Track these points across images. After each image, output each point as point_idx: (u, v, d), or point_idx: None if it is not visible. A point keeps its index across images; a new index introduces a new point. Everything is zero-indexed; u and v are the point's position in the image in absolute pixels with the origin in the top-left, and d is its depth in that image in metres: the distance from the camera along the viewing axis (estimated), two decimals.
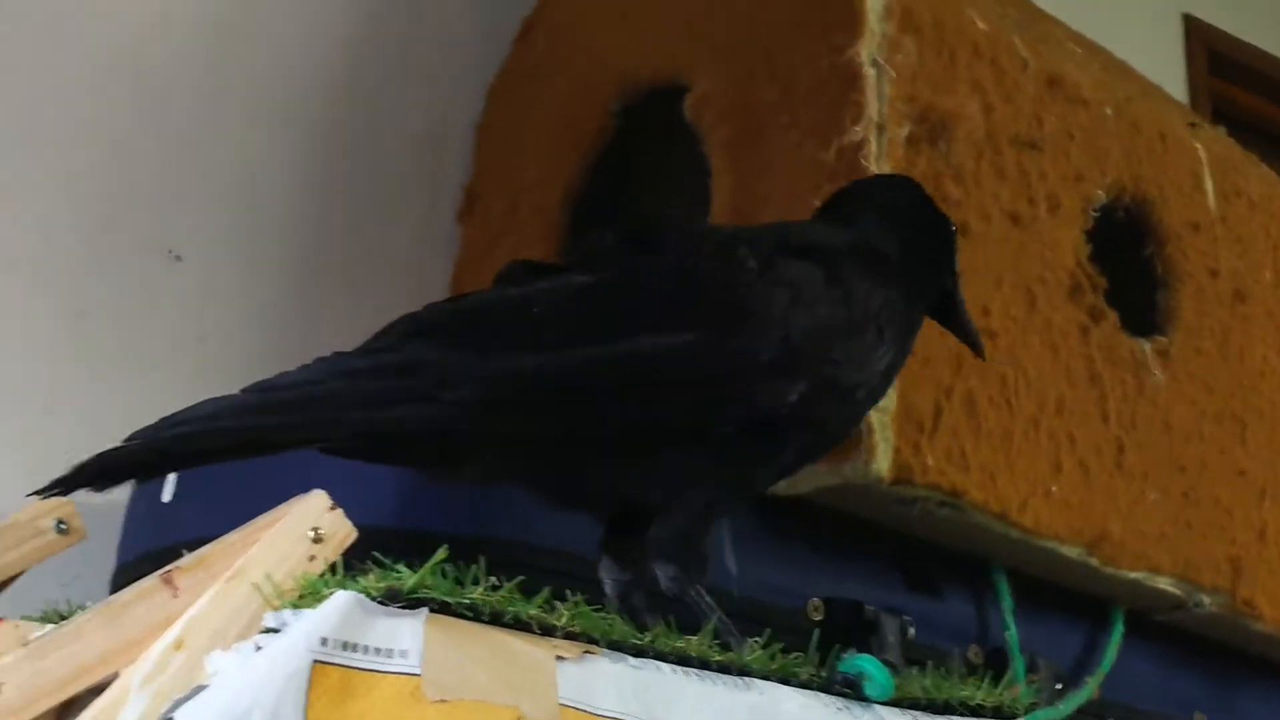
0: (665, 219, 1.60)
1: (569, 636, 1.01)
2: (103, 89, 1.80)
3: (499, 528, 1.31)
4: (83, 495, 1.37)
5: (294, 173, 1.94)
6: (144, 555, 1.48)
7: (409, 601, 0.96)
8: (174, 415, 1.05)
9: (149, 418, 1.71)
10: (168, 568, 1.02)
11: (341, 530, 1.04)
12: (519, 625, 0.99)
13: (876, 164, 1.43)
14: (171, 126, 1.86)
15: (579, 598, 1.05)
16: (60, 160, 1.77)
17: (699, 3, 1.66)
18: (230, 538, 1.04)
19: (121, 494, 1.52)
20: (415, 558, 1.01)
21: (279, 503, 1.13)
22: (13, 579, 1.32)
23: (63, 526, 1.34)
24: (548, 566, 1.25)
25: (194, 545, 1.13)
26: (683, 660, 1.06)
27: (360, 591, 0.94)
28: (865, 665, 1.11)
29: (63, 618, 1.16)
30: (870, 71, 1.45)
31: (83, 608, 1.20)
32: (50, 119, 1.76)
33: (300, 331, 1.90)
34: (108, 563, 1.55)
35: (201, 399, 1.72)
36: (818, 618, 1.42)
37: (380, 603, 0.94)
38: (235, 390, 1.68)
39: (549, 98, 1.88)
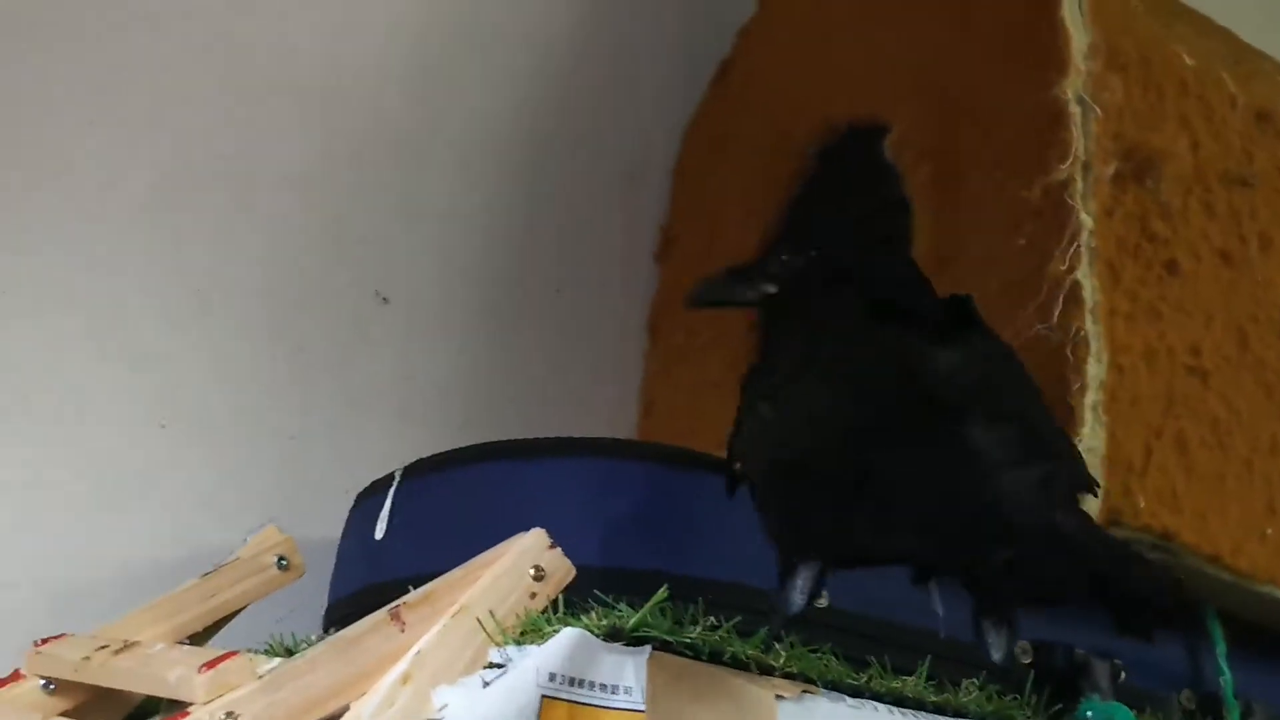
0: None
1: (787, 676, 1.02)
2: (315, 136, 1.85)
3: (705, 568, 1.32)
4: (314, 532, 1.44)
5: (495, 216, 1.97)
6: (357, 591, 1.52)
7: (631, 639, 0.97)
8: None
9: (358, 452, 1.78)
10: (395, 603, 1.05)
11: (561, 568, 1.07)
12: (737, 664, 1.01)
13: (1082, 202, 1.42)
14: (379, 173, 1.91)
15: (794, 638, 1.06)
16: (278, 205, 1.82)
17: (899, 43, 1.67)
18: (453, 575, 1.06)
19: (333, 531, 1.57)
20: (618, 595, 1.03)
21: (487, 541, 1.16)
22: (236, 613, 1.37)
23: (283, 562, 1.39)
24: (754, 607, 1.26)
25: (405, 582, 1.16)
26: (899, 701, 1.06)
27: (583, 629, 0.96)
28: (1115, 712, 1.10)
29: (289, 651, 1.20)
30: (1075, 109, 1.44)
31: (306, 641, 1.24)
32: (267, 166, 1.82)
33: (501, 371, 1.94)
34: (317, 597, 1.59)
35: (405, 436, 1.78)
36: (1026, 660, 1.40)
37: (604, 640, 0.96)
38: (441, 433, 1.74)
39: (746, 138, 1.90)
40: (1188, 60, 1.53)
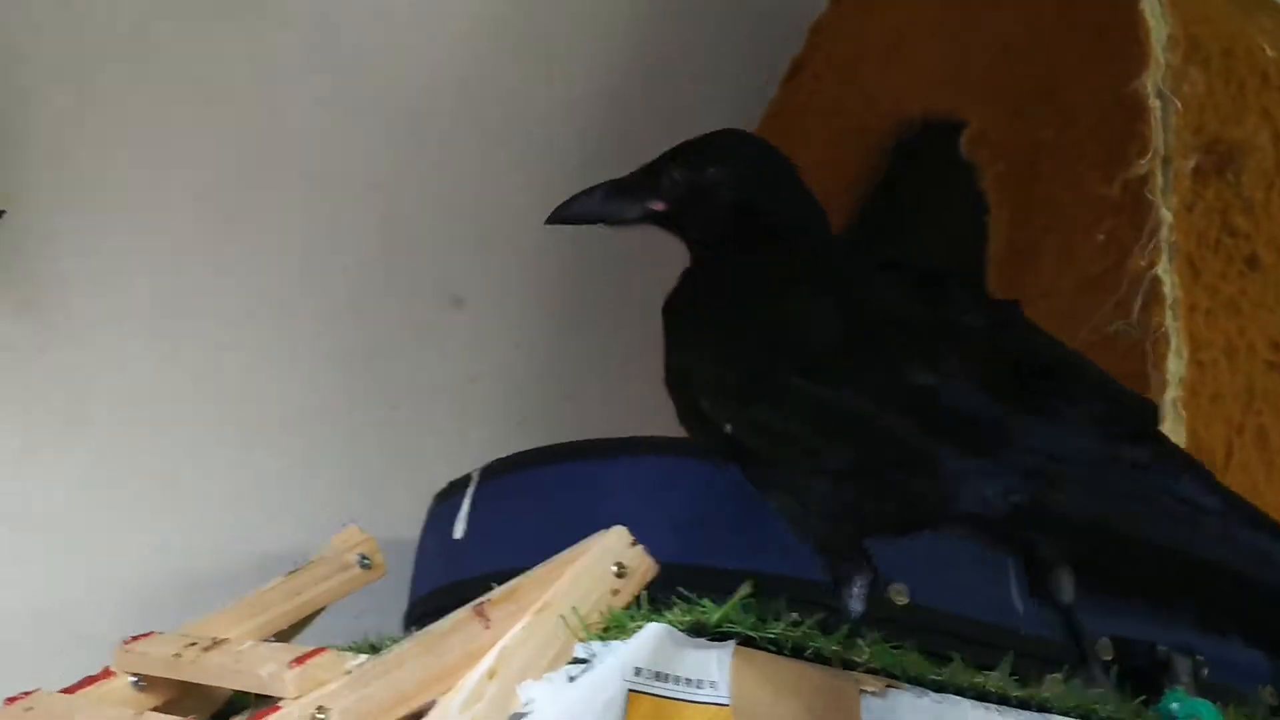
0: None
1: (869, 672, 1.02)
2: (389, 141, 1.87)
3: (782, 564, 1.32)
4: (380, 531, 1.45)
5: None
6: (436, 589, 1.53)
7: (714, 635, 0.98)
8: None
9: (428, 452, 1.79)
10: (479, 600, 1.06)
11: (643, 565, 1.07)
12: (820, 660, 1.01)
13: (1162, 197, 1.41)
14: (451, 176, 1.92)
15: (876, 635, 1.06)
16: (352, 208, 1.84)
17: (975, 38, 1.66)
18: (537, 572, 1.07)
19: (403, 530, 1.58)
20: (701, 592, 1.04)
21: (565, 540, 1.17)
22: (319, 612, 1.38)
23: (365, 561, 1.40)
24: (832, 604, 1.26)
25: (484, 580, 1.17)
26: (981, 696, 1.06)
27: (668, 624, 0.97)
28: (1200, 709, 1.10)
29: (373, 648, 1.21)
30: (1155, 103, 1.44)
31: (391, 639, 1.25)
32: (342, 169, 1.84)
33: (568, 373, 1.95)
34: (391, 595, 1.60)
35: (474, 437, 1.79)
36: (1108, 657, 1.40)
37: (688, 635, 0.96)
38: (501, 431, 1.75)
39: (819, 136, 1.89)
40: (1269, 52, 1.52)
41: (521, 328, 1.94)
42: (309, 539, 1.49)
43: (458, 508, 1.54)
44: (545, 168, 1.98)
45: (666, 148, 2.04)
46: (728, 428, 1.17)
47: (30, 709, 1.23)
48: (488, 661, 1.02)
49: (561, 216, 1.31)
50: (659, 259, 2.02)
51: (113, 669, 1.27)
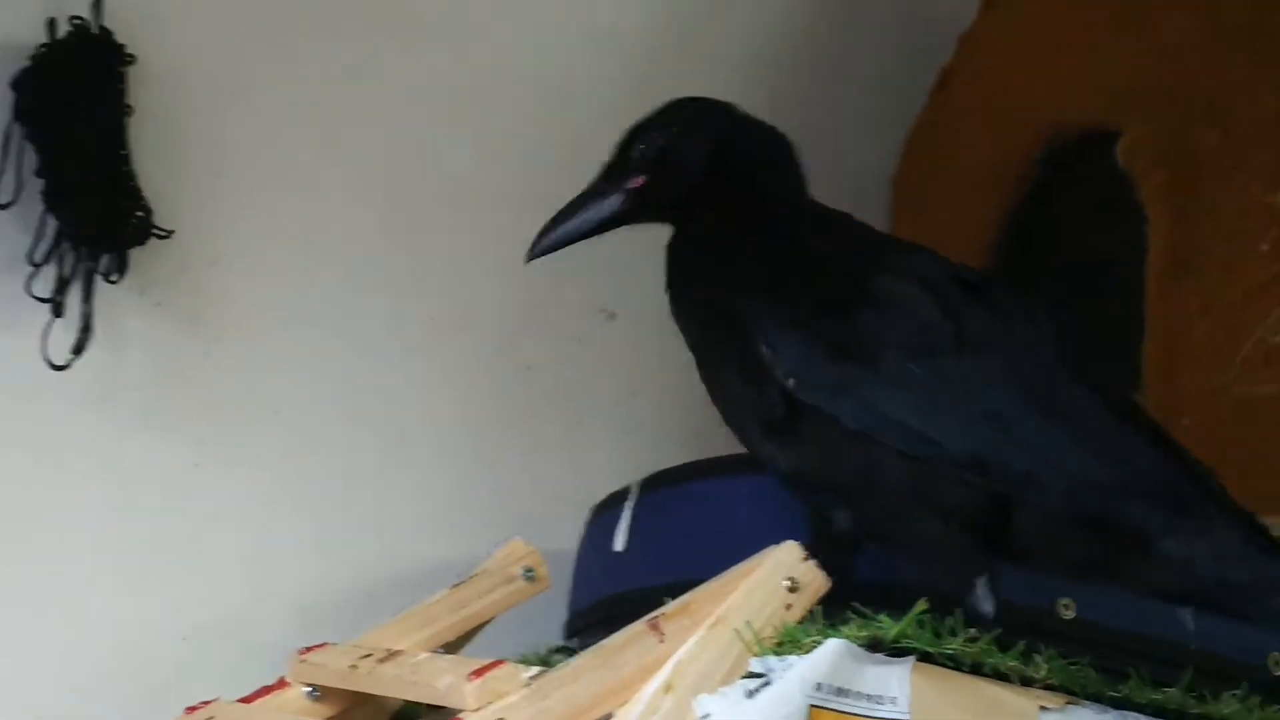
0: None
1: (1047, 688, 1.01)
2: (542, 155, 1.88)
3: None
4: (538, 544, 1.46)
5: None
6: (597, 602, 1.54)
7: (891, 650, 0.98)
8: None
9: (586, 466, 1.80)
10: (653, 614, 1.07)
11: (815, 580, 1.08)
12: (998, 676, 1.01)
13: None
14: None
15: (1052, 652, 1.06)
16: (507, 224, 1.85)
17: (1132, 47, 1.65)
18: (710, 586, 1.08)
19: (558, 543, 1.59)
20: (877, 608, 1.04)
21: (727, 552, 1.18)
22: (484, 624, 1.40)
23: (530, 574, 1.41)
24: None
25: (646, 592, 1.18)
26: (1159, 711, 1.05)
27: (846, 639, 0.97)
28: None
29: (543, 662, 1.23)
30: None
31: (562, 651, 1.27)
32: (496, 186, 1.86)
33: None
34: (550, 606, 1.61)
35: (630, 450, 1.80)
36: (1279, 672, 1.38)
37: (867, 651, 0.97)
38: (660, 444, 1.76)
39: (968, 146, 1.89)
40: None
41: (679, 342, 1.94)
42: (470, 551, 1.51)
43: (617, 520, 1.55)
44: None
45: (811, 158, 2.05)
46: (790, 383, 1.16)
47: (211, 718, 1.26)
48: (663, 675, 1.03)
49: (544, 247, 1.31)
50: None
51: (288, 679, 1.30)
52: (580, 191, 1.30)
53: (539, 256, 1.30)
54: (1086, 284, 1.80)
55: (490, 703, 1.03)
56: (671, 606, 1.07)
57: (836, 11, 2.09)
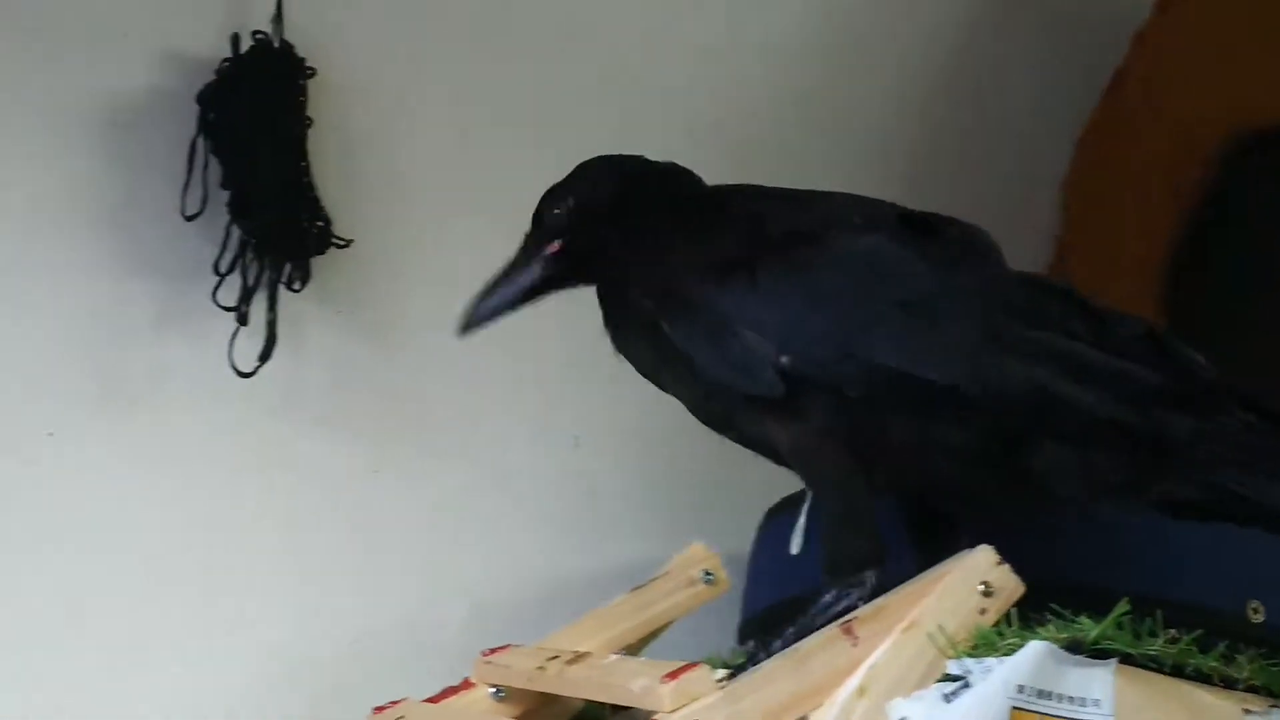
0: None
1: (1250, 689, 1.00)
2: (699, 158, 1.88)
3: (1150, 584, 1.29)
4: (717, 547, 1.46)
5: None
6: (774, 605, 1.54)
7: (1091, 652, 0.97)
8: None
9: (762, 468, 1.80)
10: (846, 618, 1.07)
11: (1009, 585, 1.07)
12: (1200, 678, 0.99)
13: None
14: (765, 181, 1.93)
15: (1254, 652, 1.04)
16: None
17: None
18: (903, 590, 1.08)
19: (740, 546, 1.59)
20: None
21: (906, 555, 1.17)
22: (664, 627, 1.41)
23: (710, 577, 1.42)
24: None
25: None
26: None
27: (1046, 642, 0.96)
28: None
29: (725, 665, 1.23)
30: None
31: (745, 654, 1.27)
32: None
33: None
34: (721, 608, 1.61)
35: None
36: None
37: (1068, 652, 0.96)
38: None
39: (1143, 146, 1.86)
40: None
41: None
42: (645, 554, 1.53)
43: (793, 523, 1.55)
44: (871, 179, 1.98)
45: (981, 161, 2.04)
46: (784, 360, 1.15)
47: (401, 718, 1.28)
48: (856, 679, 1.03)
49: (473, 321, 1.32)
50: None
51: (473, 680, 1.32)
52: (507, 262, 1.31)
53: (471, 331, 1.32)
54: (1265, 287, 1.77)
55: (685, 705, 1.03)
56: (864, 610, 1.07)
57: (1004, 13, 2.07)
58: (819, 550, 1.18)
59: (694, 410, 1.28)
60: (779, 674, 1.04)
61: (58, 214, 1.64)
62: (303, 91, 1.67)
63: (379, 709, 1.32)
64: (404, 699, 1.32)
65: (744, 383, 1.16)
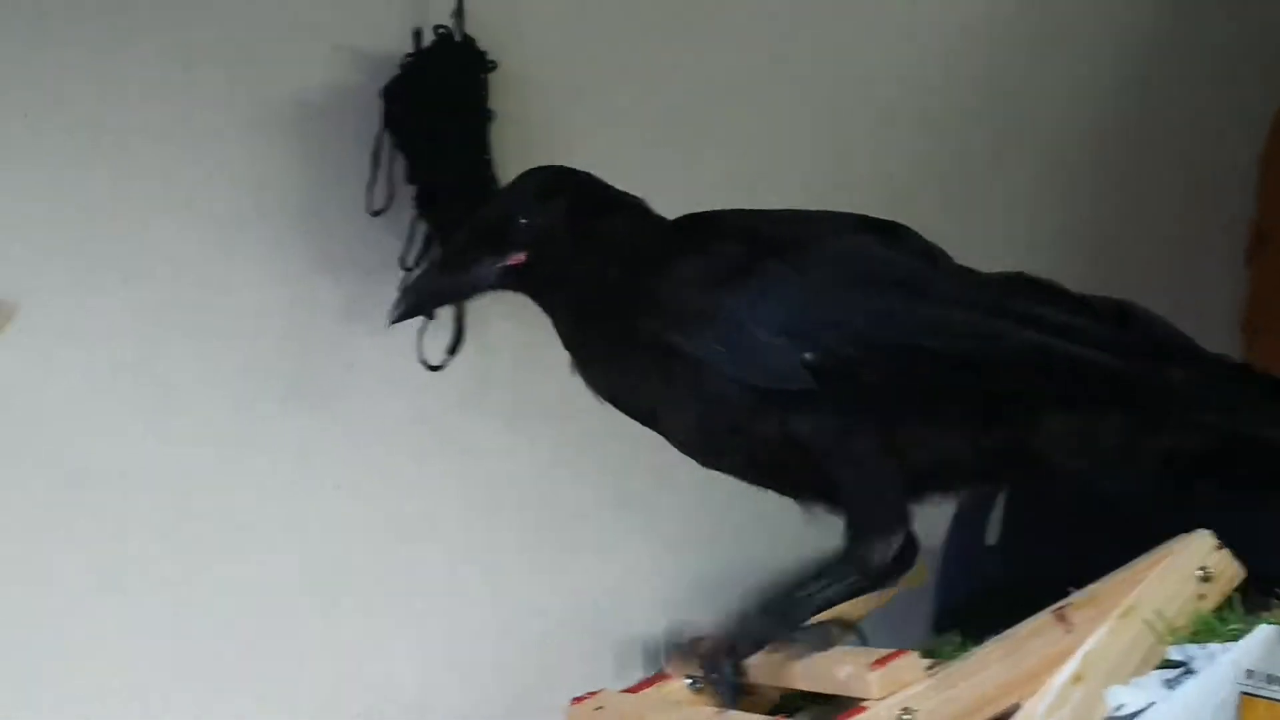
0: None
1: None
2: (900, 156, 1.87)
3: None
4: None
5: (1073, 220, 1.94)
6: (970, 594, 1.52)
7: None
8: None
9: None
10: (1059, 604, 1.04)
11: (1229, 570, 1.03)
12: None
13: None
14: (965, 177, 1.91)
15: None
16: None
17: None
18: (1117, 576, 1.05)
19: (931, 540, 1.57)
20: None
21: (1113, 547, 1.14)
22: (862, 618, 1.39)
23: None
24: None
25: (1024, 584, 1.15)
26: None
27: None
28: None
29: (929, 654, 1.21)
30: None
31: (950, 643, 1.25)
32: (855, 171, 1.85)
33: None
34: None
35: None
36: None
37: None
38: None
39: None
40: None
41: None
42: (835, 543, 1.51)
43: (989, 514, 1.53)
44: (1052, 169, 1.95)
45: (1173, 145, 1.99)
46: (808, 356, 1.13)
47: (600, 708, 1.27)
48: (1071, 666, 1.00)
49: (405, 312, 1.23)
50: (1189, 258, 1.97)
51: (668, 671, 1.31)
52: (430, 262, 1.26)
53: (404, 319, 1.25)
54: None
55: (894, 692, 1.01)
56: (1077, 596, 1.05)
57: (1193, 13, 2.02)
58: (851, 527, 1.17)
59: (685, 434, 1.24)
60: (991, 660, 1.02)
61: (248, 213, 1.67)
62: (484, 85, 1.67)
63: (577, 699, 1.31)
64: (601, 690, 1.31)
65: (774, 379, 1.14)
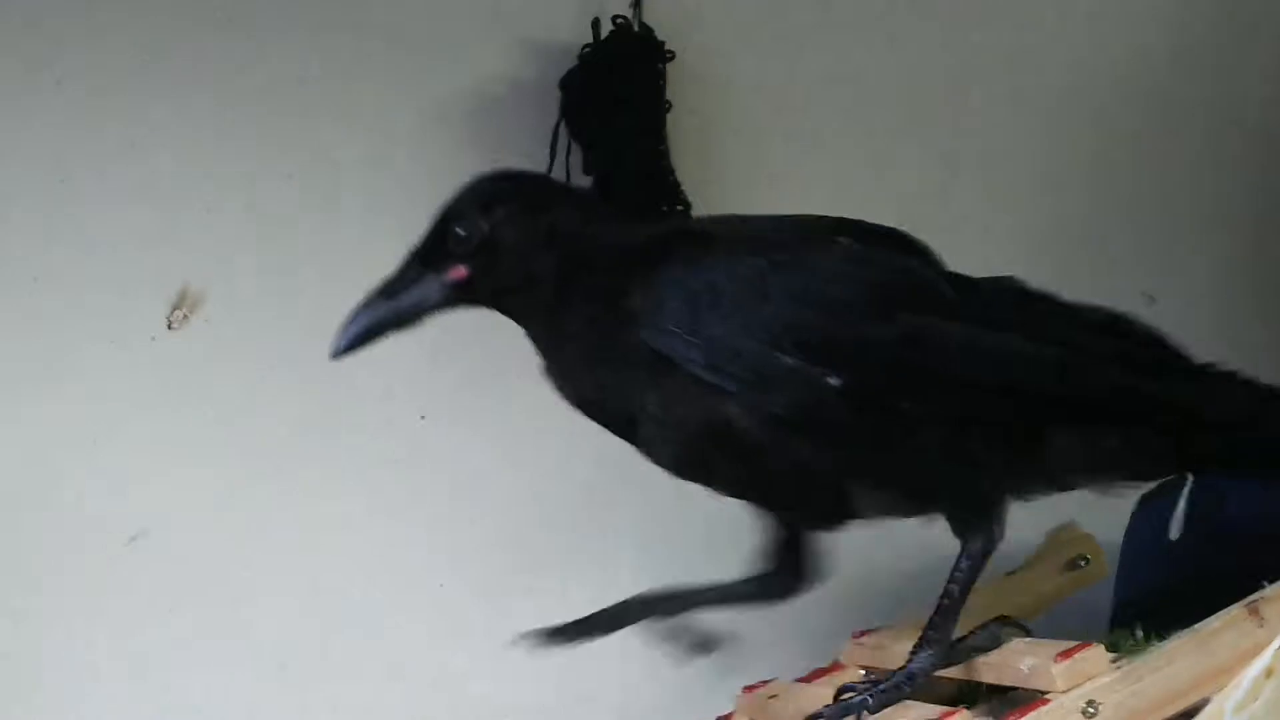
0: None
1: None
2: (1080, 142, 1.85)
3: None
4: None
5: (1264, 213, 1.89)
6: (1151, 590, 1.49)
7: None
8: None
9: None
10: (1252, 597, 1.02)
11: None
12: None
13: None
14: (1140, 175, 1.88)
15: None
16: (1046, 209, 1.83)
17: None
18: None
19: (1113, 534, 1.54)
20: None
21: None
22: (1038, 612, 1.37)
23: (1084, 562, 1.39)
24: None
25: (1204, 580, 1.13)
26: None
27: None
28: None
29: (1111, 647, 1.19)
30: None
31: (1144, 637, 1.22)
32: (1032, 170, 1.83)
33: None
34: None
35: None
36: None
37: None
38: None
39: None
40: None
41: (1212, 325, 1.86)
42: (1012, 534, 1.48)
43: (1170, 510, 1.50)
44: (1228, 161, 1.91)
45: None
46: (831, 380, 1.09)
47: (773, 696, 1.27)
48: (1264, 660, 0.98)
49: (350, 340, 1.15)
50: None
51: (842, 660, 1.31)
52: (371, 291, 1.16)
53: (346, 354, 1.16)
54: None
55: (1078, 685, 1.00)
56: (1271, 590, 1.03)
57: None
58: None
59: (669, 448, 1.17)
60: (1180, 654, 1.01)
61: (427, 208, 1.68)
62: (662, 75, 1.67)
63: (749, 688, 1.32)
64: (773, 679, 1.31)
65: (799, 409, 1.10)
